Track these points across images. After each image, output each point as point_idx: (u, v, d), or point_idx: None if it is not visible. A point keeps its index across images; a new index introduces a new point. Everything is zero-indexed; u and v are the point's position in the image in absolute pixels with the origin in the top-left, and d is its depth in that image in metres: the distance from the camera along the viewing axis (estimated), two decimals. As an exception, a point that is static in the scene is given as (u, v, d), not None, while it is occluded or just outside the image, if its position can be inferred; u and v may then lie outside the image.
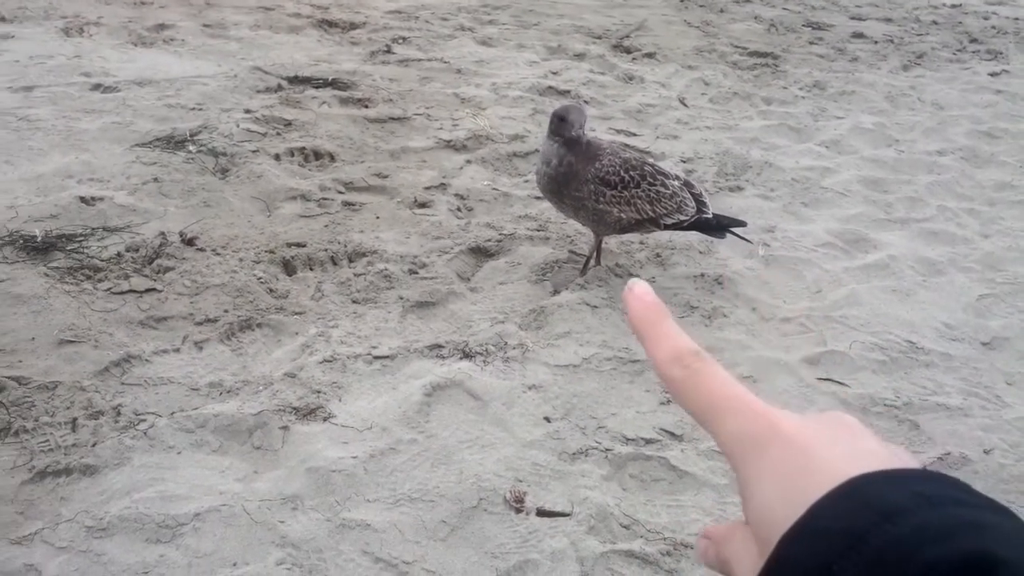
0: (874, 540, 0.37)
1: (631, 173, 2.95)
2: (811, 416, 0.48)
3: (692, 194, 3.08)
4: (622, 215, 2.97)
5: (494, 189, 3.82)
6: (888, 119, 5.17)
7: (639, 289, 0.55)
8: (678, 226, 3.06)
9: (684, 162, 4.26)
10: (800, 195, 4.06)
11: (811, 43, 6.71)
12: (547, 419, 2.42)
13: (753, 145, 4.55)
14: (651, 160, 3.15)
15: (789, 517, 0.41)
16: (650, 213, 2.99)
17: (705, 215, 3.07)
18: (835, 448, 0.44)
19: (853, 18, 7.59)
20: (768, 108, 5.19)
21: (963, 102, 5.63)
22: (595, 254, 3.22)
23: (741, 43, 6.49)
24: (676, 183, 3.06)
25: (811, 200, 4.03)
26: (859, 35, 7.02)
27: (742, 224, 3.16)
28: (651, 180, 2.98)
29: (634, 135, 4.55)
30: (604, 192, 2.93)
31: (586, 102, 4.93)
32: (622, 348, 2.76)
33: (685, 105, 5.09)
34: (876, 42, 6.88)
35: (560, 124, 2.90)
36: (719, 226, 3.12)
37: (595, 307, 2.95)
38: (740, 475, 0.47)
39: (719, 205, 3.81)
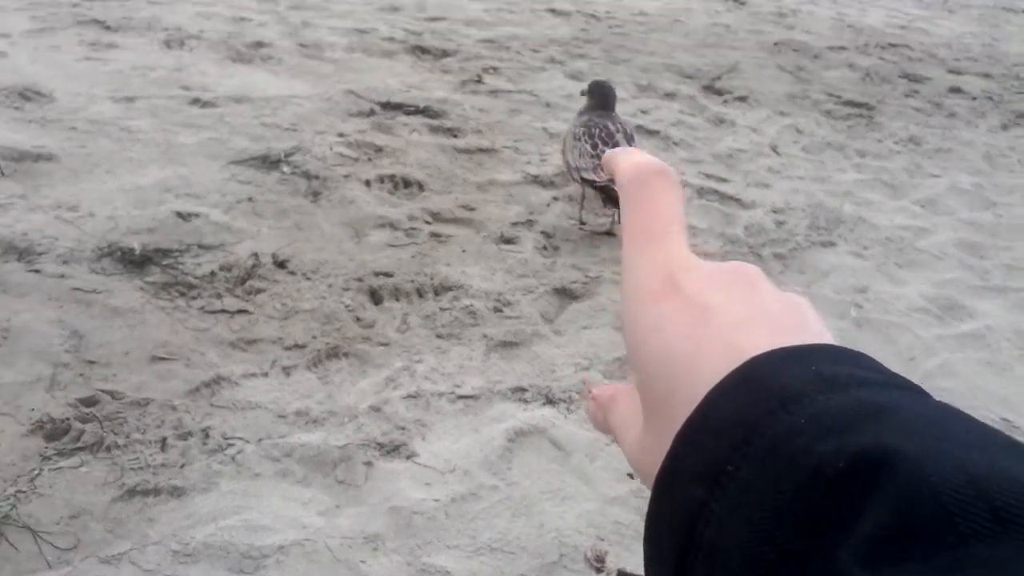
0: (767, 431, 0.33)
1: (581, 130, 3.60)
2: (715, 266, 0.43)
3: None
4: (567, 158, 3.69)
5: (581, 228, 3.80)
6: (986, 180, 5.03)
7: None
8: (592, 184, 3.52)
9: (775, 212, 4.18)
10: (894, 255, 3.96)
11: (907, 95, 6.57)
12: (630, 475, 2.38)
13: (846, 199, 4.46)
14: (616, 131, 3.59)
15: (674, 390, 0.37)
16: (576, 163, 3.58)
17: (612, 185, 3.32)
18: (733, 311, 0.39)
19: (951, 71, 7.42)
20: (862, 161, 5.08)
21: (1065, 166, 5.45)
22: (581, 202, 3.88)
23: (835, 91, 6.39)
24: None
25: (905, 261, 3.93)
26: (956, 90, 6.85)
27: None
28: (586, 140, 3.55)
29: (724, 180, 4.49)
30: (569, 139, 3.68)
31: (675, 143, 4.90)
32: (708, 405, 2.70)
33: (777, 153, 5.02)
34: (974, 98, 6.71)
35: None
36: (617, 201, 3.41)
37: (681, 360, 2.90)
38: (626, 328, 0.42)
39: (811, 261, 3.74)
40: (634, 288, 0.43)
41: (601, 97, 3.73)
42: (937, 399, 0.35)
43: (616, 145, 3.48)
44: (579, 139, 3.59)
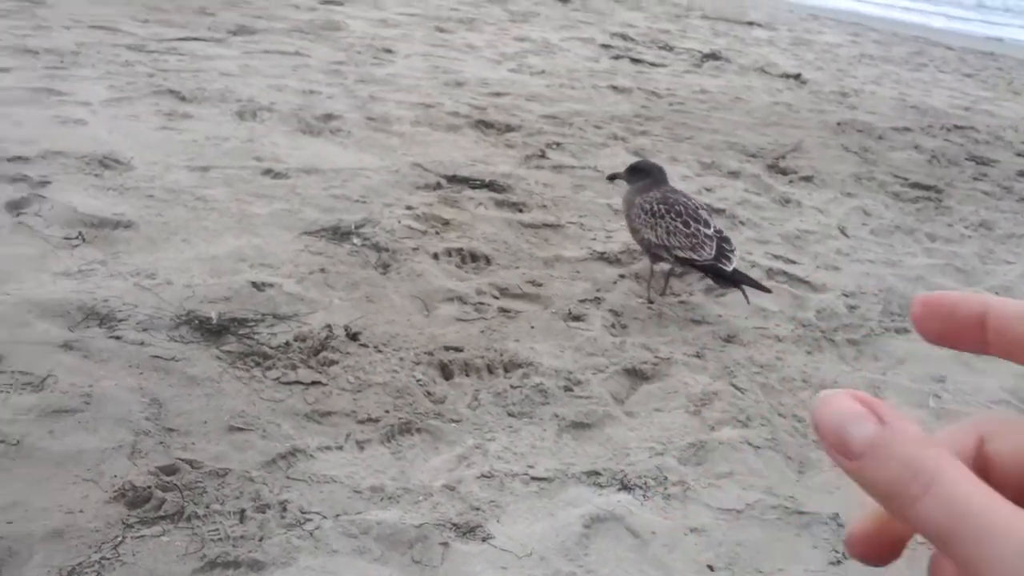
0: None
1: (661, 207, 3.65)
2: None
3: (722, 247, 3.58)
4: (646, 235, 3.69)
5: (649, 307, 3.78)
6: (1061, 267, 4.93)
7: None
8: (691, 263, 3.60)
9: (847, 296, 4.13)
10: (970, 344, 3.87)
11: (975, 179, 6.50)
12: (710, 567, 2.32)
13: (918, 284, 4.39)
14: (698, 207, 3.69)
15: None
16: (665, 241, 3.62)
17: (721, 265, 3.54)
18: None
19: (1019, 155, 7.34)
20: (932, 245, 5.02)
21: None
22: (649, 280, 3.95)
23: (901, 173, 6.34)
24: (706, 230, 3.59)
25: (983, 350, 3.83)
26: (1025, 174, 6.78)
27: (764, 290, 3.62)
28: (673, 217, 3.60)
29: (793, 262, 4.46)
30: (640, 215, 3.71)
31: (742, 223, 4.88)
32: (787, 497, 2.64)
33: (846, 235, 4.98)
34: (1044, 182, 6.63)
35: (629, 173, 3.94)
36: (733, 280, 3.59)
37: (758, 447, 2.85)
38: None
39: (885, 348, 3.68)
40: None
41: (658, 172, 3.87)
42: None
43: (704, 222, 3.61)
44: (660, 216, 3.63)
